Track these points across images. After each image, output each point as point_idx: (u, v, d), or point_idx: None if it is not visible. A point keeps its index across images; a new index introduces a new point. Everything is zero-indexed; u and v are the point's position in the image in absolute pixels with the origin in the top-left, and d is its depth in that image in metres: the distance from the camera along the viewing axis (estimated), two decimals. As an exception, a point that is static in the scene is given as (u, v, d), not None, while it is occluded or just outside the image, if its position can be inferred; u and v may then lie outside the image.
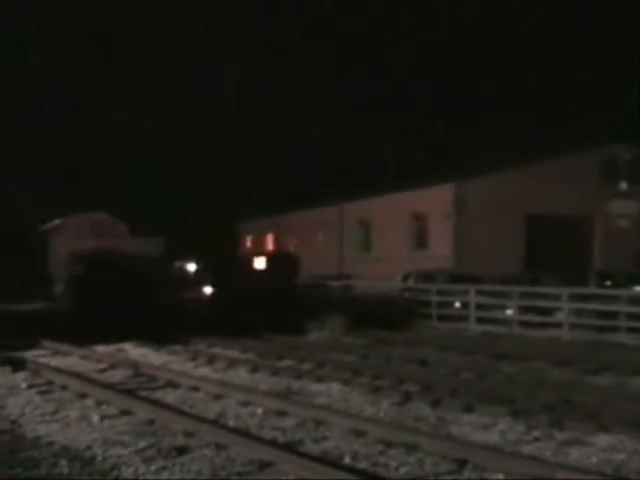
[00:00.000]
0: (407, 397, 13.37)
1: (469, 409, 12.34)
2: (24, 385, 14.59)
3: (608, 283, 29.60)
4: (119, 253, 29.42)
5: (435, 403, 12.82)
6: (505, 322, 27.59)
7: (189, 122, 78.03)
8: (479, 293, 28.87)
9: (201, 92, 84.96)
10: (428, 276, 34.20)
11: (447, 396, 13.32)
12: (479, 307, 28.53)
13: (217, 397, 13.38)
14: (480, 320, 28.19)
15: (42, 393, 13.82)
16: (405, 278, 35.62)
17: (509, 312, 28.08)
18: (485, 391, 13.61)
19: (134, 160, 67.46)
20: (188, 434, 10.37)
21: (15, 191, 58.01)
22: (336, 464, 9.00)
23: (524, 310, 27.60)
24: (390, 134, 69.35)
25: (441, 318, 29.54)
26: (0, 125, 69.77)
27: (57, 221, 38.96)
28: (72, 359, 19.13)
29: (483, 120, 66.94)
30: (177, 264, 28.74)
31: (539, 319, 26.70)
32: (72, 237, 35.25)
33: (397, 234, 46.39)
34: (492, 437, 10.73)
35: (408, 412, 12.38)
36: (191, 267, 28.49)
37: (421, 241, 45.55)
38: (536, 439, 10.59)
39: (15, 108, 67.03)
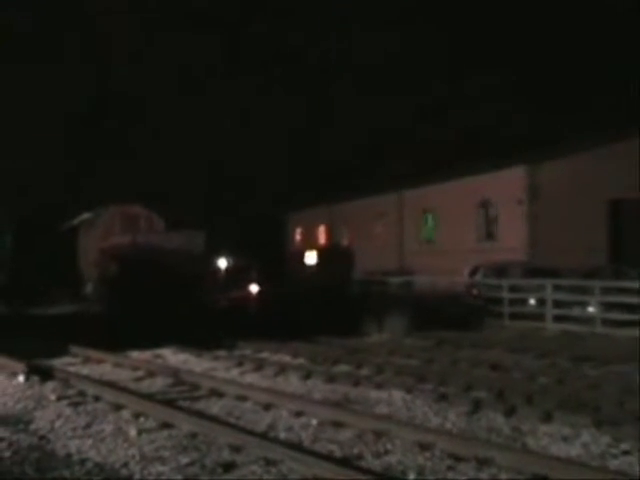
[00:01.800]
0: (477, 405, 13.30)
1: (547, 418, 12.23)
2: (53, 396, 14.69)
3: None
4: (155, 249, 29.52)
5: (509, 412, 12.72)
6: (586, 321, 27.34)
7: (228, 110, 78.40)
8: (557, 288, 28.64)
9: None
10: (499, 270, 34.02)
11: (522, 404, 13.23)
12: (557, 304, 28.31)
13: (266, 407, 13.40)
14: (558, 319, 27.97)
15: (73, 405, 13.91)
16: (473, 272, 35.44)
17: (591, 309, 27.82)
18: (565, 398, 13.49)
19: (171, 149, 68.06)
20: (235, 448, 10.38)
21: (42, 183, 58.79)
22: (399, 481, 8.98)
23: (608, 307, 27.32)
24: (454, 113, 68.92)
25: (514, 317, 29.37)
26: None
27: (86, 215, 39.20)
28: (105, 367, 19.26)
29: (557, 96, 66.19)
30: (220, 260, 28.84)
31: (625, 317, 26.39)
32: (103, 232, 35.39)
33: (463, 223, 46.22)
34: (574, 450, 10.62)
35: (478, 422, 12.31)
36: (222, 263, 28.56)
37: (490, 231, 45.34)
38: (624, 452, 10.46)
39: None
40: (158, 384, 16.39)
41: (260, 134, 74.76)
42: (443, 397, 14.10)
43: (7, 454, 10.60)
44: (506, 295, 30.07)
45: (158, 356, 21.37)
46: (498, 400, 13.84)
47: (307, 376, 17.06)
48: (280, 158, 71.57)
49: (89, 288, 35.01)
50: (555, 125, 59.29)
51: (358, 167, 69.54)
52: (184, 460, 10.02)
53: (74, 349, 21.48)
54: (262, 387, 15.39)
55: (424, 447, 10.37)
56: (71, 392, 15.17)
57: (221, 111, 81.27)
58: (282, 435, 11.46)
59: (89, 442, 11.16)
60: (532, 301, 30.15)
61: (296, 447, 10.43)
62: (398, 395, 14.66)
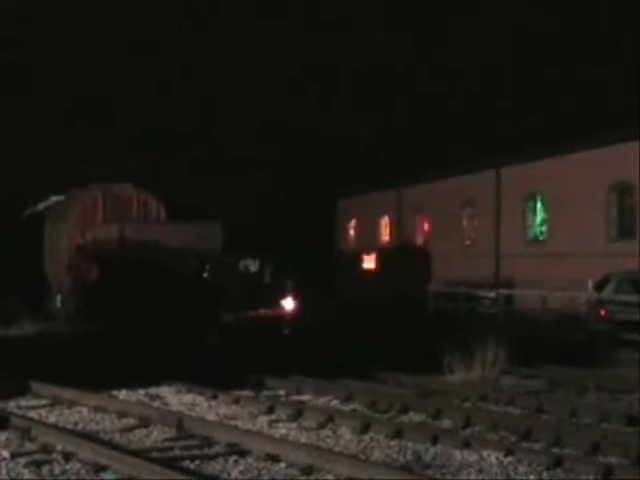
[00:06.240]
0: (607, 474, 13.12)
1: None
2: (6, 453, 14.66)
3: None
4: (153, 247, 29.57)
5: (653, 484, 12.58)
6: None
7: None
8: None
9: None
10: (638, 282, 33.76)
11: (673, 473, 13.07)
12: None
13: (306, 471, 13.32)
14: None
15: (34, 465, 13.88)
16: (601, 285, 35.20)
17: None
18: None
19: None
20: (262, 529, 10.34)
21: None
22: None
23: None
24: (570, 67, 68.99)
25: (660, 348, 29.16)
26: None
27: (56, 198, 39.26)
28: (81, 412, 19.26)
29: None
30: (242, 263, 28.81)
31: None
32: (80, 223, 35.40)
33: (588, 216, 45.84)
34: None
35: (610, 498, 12.18)
36: (253, 267, 28.53)
37: (627, 227, 44.91)
38: None
39: None
40: (154, 437, 16.39)
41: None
42: (558, 462, 13.94)
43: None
44: (648, 318, 29.88)
45: (155, 397, 21.38)
46: (637, 467, 13.67)
47: (364, 428, 16.95)
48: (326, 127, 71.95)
49: (59, 301, 35.11)
50: None
51: (438, 138, 69.61)
52: None
53: (37, 386, 21.52)
54: (301, 443, 15.34)
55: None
56: (32, 447, 15.18)
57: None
58: (329, 511, 11.42)
59: (57, 517, 11.14)
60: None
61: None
62: (493, 457, 14.54)
